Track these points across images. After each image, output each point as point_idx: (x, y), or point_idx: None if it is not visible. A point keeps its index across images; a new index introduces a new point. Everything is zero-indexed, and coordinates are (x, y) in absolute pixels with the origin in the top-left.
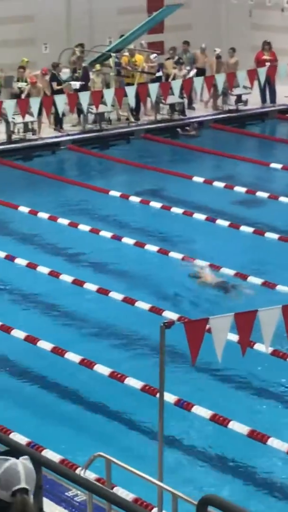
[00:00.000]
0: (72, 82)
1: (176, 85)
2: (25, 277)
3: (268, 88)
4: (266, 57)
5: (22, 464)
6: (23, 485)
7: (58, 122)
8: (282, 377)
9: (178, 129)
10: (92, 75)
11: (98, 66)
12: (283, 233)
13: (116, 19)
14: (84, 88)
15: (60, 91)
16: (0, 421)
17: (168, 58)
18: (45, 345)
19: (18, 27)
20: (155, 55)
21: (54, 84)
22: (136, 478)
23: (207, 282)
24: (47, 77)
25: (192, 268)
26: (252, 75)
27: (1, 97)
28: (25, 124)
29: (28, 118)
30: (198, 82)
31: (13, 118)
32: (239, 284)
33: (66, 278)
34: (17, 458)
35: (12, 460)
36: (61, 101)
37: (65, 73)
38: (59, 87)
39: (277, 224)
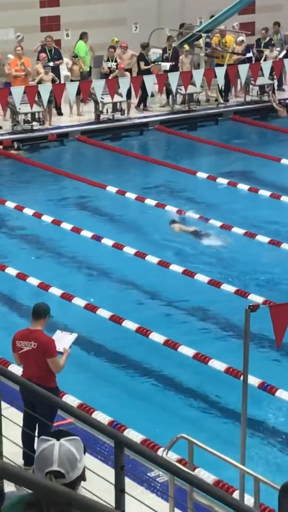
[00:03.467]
0: (162, 63)
1: (266, 66)
2: (111, 257)
3: None
4: None
5: (60, 446)
6: (54, 467)
7: (141, 101)
8: None
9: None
10: (181, 56)
11: (186, 47)
12: None
13: None
14: (173, 68)
15: (148, 72)
16: (84, 400)
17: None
18: (130, 324)
19: (110, 6)
20: (241, 38)
21: (142, 64)
22: (218, 461)
23: (182, 230)
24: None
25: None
26: None
27: (91, 76)
28: (114, 104)
29: (117, 98)
30: None
31: (102, 98)
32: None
33: (152, 259)
34: (58, 439)
35: (51, 441)
36: (150, 82)
37: (154, 53)
38: (146, 67)
39: None
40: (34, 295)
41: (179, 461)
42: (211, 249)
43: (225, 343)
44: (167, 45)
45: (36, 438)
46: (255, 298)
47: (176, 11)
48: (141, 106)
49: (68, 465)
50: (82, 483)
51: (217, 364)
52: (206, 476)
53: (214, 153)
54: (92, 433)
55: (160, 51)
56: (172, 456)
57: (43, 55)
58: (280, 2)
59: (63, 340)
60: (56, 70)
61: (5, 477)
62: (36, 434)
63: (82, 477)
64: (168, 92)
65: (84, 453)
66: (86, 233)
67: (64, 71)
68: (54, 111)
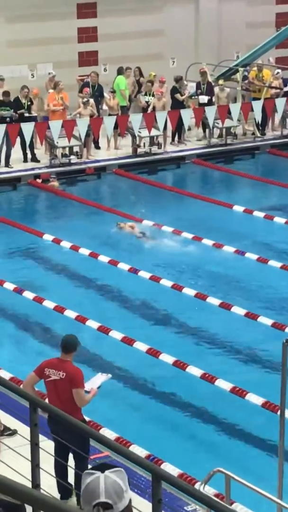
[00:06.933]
0: (201, 97)
1: None
2: (148, 290)
3: None
4: None
5: (105, 478)
6: (102, 499)
7: (175, 135)
8: None
9: None
10: (216, 90)
11: (221, 81)
12: None
13: (244, 33)
14: (208, 102)
15: (183, 103)
16: (120, 433)
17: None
18: (167, 358)
19: (147, 41)
20: (278, 71)
21: (178, 96)
22: (255, 495)
23: (129, 232)
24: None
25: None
26: None
27: (129, 110)
28: (151, 138)
29: (154, 132)
30: None
31: (139, 132)
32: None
33: (188, 291)
34: (103, 471)
35: (96, 474)
36: (187, 115)
37: (191, 87)
38: (182, 98)
39: None
40: (71, 328)
41: (216, 495)
42: (247, 282)
43: (262, 376)
44: (201, 80)
45: (69, 469)
46: None
47: (214, 46)
48: (176, 140)
49: (115, 496)
50: None
51: (254, 398)
52: (244, 510)
53: (250, 186)
54: (129, 466)
55: (193, 85)
56: (209, 490)
57: (86, 89)
58: None
59: (96, 381)
60: (96, 105)
61: (6, 493)
62: (74, 466)
63: (129, 508)
64: (205, 125)
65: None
66: (123, 266)
67: (104, 106)
68: (91, 145)
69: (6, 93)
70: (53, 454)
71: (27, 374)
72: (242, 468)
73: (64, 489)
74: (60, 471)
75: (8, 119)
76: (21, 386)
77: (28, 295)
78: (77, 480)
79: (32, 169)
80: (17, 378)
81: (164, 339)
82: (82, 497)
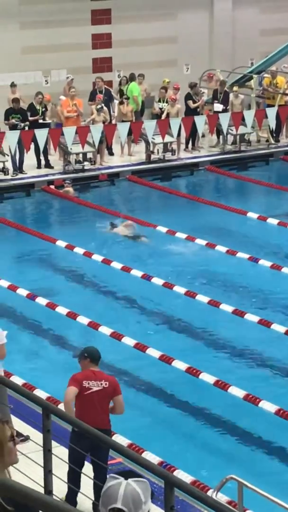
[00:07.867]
0: (216, 105)
1: None
2: (161, 296)
3: None
4: None
5: (126, 485)
6: (118, 505)
7: (188, 141)
8: None
9: None
10: (231, 97)
11: (236, 88)
12: None
13: (258, 40)
14: (222, 111)
15: (196, 110)
16: (133, 440)
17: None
18: (180, 365)
19: (161, 48)
20: None
21: (190, 103)
22: (268, 503)
23: (119, 233)
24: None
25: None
26: None
27: (143, 117)
28: (165, 145)
29: (167, 138)
30: None
31: (153, 139)
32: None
33: (202, 298)
34: (126, 478)
35: (119, 480)
36: (201, 122)
37: (207, 94)
38: (195, 105)
39: None
40: (84, 334)
41: (229, 502)
42: (260, 289)
43: (275, 383)
44: (219, 89)
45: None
46: None
47: (228, 52)
48: (190, 147)
49: (131, 505)
50: None
51: (268, 405)
52: None
53: (264, 193)
54: (142, 473)
55: (205, 91)
56: (222, 498)
57: (100, 96)
58: None
59: None
60: (108, 110)
61: (19, 499)
62: (95, 476)
63: None
64: (219, 132)
65: (152, 498)
66: (136, 273)
67: (115, 112)
68: (105, 151)
69: (15, 100)
70: (65, 460)
71: (66, 389)
72: (255, 475)
73: (73, 496)
74: (77, 478)
75: (18, 126)
76: (64, 403)
77: (41, 301)
78: (97, 490)
79: (46, 175)
80: (29, 384)
81: (177, 346)
82: (100, 499)
